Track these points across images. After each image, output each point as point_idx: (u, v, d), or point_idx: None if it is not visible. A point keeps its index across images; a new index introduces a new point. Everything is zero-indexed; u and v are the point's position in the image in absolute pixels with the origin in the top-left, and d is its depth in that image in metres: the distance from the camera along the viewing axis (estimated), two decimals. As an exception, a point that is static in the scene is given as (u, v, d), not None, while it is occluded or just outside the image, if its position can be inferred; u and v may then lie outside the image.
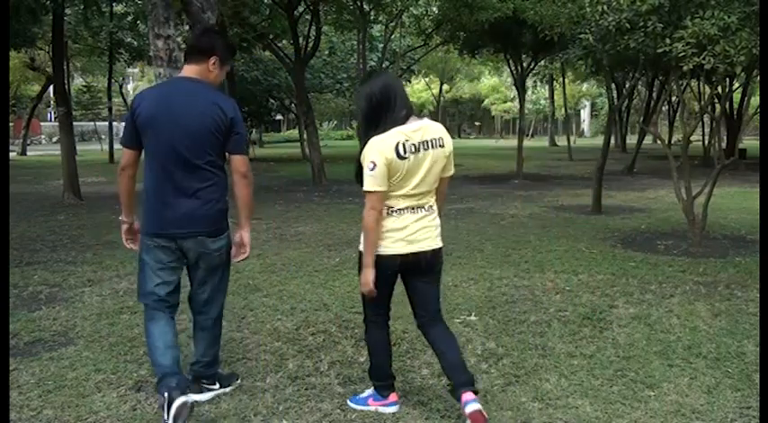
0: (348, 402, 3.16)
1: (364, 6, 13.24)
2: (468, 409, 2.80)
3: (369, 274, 2.84)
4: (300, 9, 14.91)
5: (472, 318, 4.43)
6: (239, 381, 3.39)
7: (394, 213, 2.85)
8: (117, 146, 23.93)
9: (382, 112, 2.82)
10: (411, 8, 14.79)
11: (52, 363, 3.64)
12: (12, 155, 22.56)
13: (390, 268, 2.89)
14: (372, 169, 2.76)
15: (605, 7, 6.14)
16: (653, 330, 4.15)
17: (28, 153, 26.50)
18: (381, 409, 3.06)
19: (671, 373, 3.48)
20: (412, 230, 2.86)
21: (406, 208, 2.85)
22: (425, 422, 2.97)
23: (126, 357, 3.73)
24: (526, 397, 3.20)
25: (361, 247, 2.89)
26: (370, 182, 2.77)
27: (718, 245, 6.90)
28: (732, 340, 3.94)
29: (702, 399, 3.17)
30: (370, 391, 3.16)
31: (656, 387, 3.30)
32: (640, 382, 3.35)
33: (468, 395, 2.84)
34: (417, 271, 2.94)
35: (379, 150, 2.77)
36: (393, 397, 3.10)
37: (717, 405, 3.10)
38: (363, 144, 2.86)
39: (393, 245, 2.86)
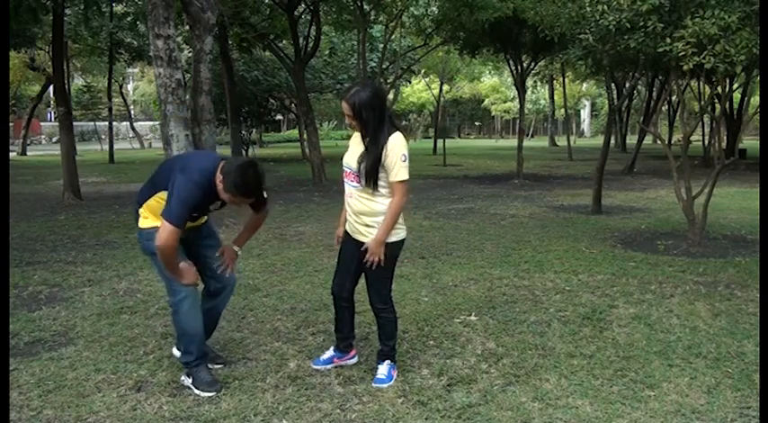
0: (313, 366, 3.54)
1: (364, 6, 13.22)
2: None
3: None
4: (300, 9, 14.91)
5: (472, 318, 4.43)
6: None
7: None
8: (117, 146, 23.94)
9: (387, 111, 3.08)
10: (411, 8, 14.78)
11: (52, 363, 3.64)
12: (12, 155, 22.58)
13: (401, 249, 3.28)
14: (405, 161, 3.03)
15: (605, 7, 6.13)
16: (653, 330, 4.15)
17: (28, 153, 26.49)
18: (344, 362, 3.57)
19: (671, 373, 3.48)
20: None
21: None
22: (425, 422, 2.97)
23: (126, 357, 3.73)
24: (526, 397, 3.20)
25: (370, 235, 3.14)
26: (407, 172, 3.04)
27: (718, 245, 6.90)
28: (732, 340, 3.94)
29: (702, 399, 3.17)
30: (336, 352, 3.58)
31: (656, 387, 3.30)
32: (640, 382, 3.35)
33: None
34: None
35: (406, 145, 3.05)
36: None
37: (717, 405, 3.10)
38: (376, 138, 3.02)
39: (402, 232, 3.26)
